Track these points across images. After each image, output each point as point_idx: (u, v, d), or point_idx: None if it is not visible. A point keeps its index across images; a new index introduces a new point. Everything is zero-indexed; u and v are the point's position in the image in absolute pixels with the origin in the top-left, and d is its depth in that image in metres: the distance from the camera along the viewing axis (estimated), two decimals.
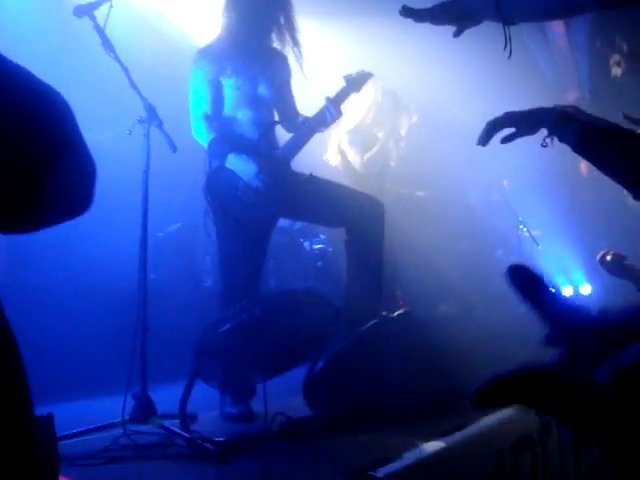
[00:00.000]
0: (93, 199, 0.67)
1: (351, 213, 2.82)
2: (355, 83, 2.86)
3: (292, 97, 2.99)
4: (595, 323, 0.86)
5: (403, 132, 4.20)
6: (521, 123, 1.58)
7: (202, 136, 2.75)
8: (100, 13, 2.55)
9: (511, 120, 1.58)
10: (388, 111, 4.10)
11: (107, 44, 2.52)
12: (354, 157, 4.05)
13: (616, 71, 3.02)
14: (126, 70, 2.54)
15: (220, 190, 2.69)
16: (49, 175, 0.61)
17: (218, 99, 2.78)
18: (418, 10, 1.36)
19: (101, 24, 2.52)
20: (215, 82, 2.77)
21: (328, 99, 2.80)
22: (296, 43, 2.86)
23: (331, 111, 2.77)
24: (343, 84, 2.86)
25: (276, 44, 2.88)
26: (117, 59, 2.54)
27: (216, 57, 2.77)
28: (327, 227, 3.37)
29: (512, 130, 1.56)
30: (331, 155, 4.09)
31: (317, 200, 2.80)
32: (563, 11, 1.25)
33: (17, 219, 0.63)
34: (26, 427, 0.65)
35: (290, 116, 2.96)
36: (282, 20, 2.82)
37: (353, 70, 2.90)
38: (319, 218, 3.08)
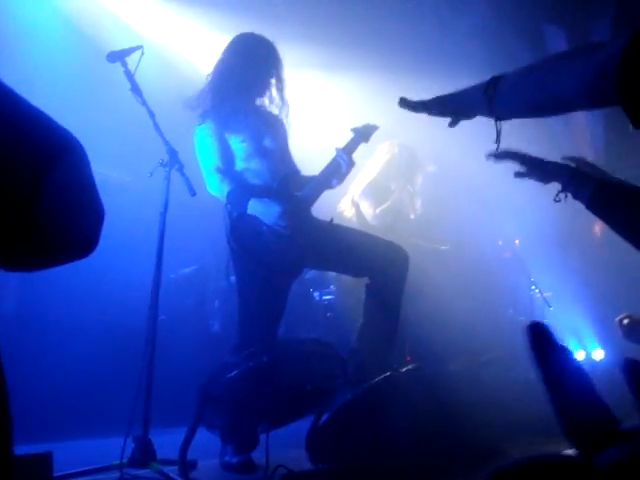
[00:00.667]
0: (97, 243, 0.67)
1: (375, 261, 2.81)
2: (363, 134, 2.87)
3: (292, 156, 3.01)
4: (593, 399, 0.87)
5: (418, 187, 4.25)
6: (536, 170, 1.63)
7: (218, 189, 2.73)
8: (130, 59, 2.65)
9: (524, 161, 1.63)
10: (404, 166, 4.17)
11: (136, 89, 2.61)
12: (367, 209, 4.09)
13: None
14: (152, 115, 2.62)
15: (245, 236, 2.67)
16: (57, 211, 0.62)
17: (227, 151, 2.79)
18: (414, 102, 1.43)
19: (132, 70, 2.61)
20: (220, 136, 2.79)
21: (338, 149, 2.82)
22: (284, 102, 2.92)
23: (344, 159, 2.78)
24: (351, 136, 2.88)
25: (265, 101, 2.93)
26: (144, 104, 2.62)
27: (216, 116, 2.79)
28: (349, 275, 3.32)
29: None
30: (345, 206, 4.14)
31: (340, 248, 2.80)
32: (550, 109, 1.29)
33: (27, 253, 0.64)
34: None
35: (294, 173, 2.96)
36: (274, 80, 2.89)
37: (359, 123, 2.92)
38: (342, 266, 3.03)
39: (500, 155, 1.64)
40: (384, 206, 4.09)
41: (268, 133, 2.87)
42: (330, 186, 2.89)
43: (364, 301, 2.89)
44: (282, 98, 2.92)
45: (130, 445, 2.29)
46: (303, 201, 2.81)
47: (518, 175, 1.67)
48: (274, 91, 2.91)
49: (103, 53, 2.63)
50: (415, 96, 1.44)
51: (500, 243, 5.61)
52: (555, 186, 1.64)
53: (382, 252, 2.84)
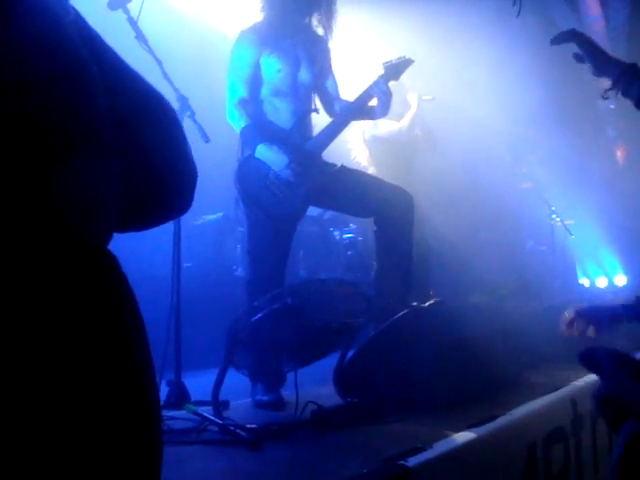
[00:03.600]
0: (191, 203, 0.71)
1: (380, 204, 2.80)
2: (395, 70, 2.78)
3: (334, 81, 2.94)
4: None
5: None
6: (590, 58, 1.60)
7: (235, 121, 2.72)
8: (133, 6, 2.58)
9: (582, 44, 1.62)
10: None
11: (140, 36, 2.55)
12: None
13: None
14: (159, 62, 2.58)
15: (250, 179, 2.69)
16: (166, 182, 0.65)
17: (256, 82, 2.74)
18: None
19: (134, 17, 2.55)
20: (255, 64, 2.73)
21: (379, 78, 2.72)
22: (330, 30, 2.82)
23: (382, 89, 2.69)
24: (381, 72, 2.78)
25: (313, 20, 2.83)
26: (150, 51, 2.57)
27: (258, 37, 2.73)
28: (356, 217, 3.36)
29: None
30: (357, 152, 4.09)
31: (346, 190, 2.79)
32: None
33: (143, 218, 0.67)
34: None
35: (331, 101, 2.92)
36: (324, 4, 2.77)
37: (391, 56, 2.81)
38: (348, 208, 3.07)
39: (563, 35, 1.64)
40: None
41: (307, 62, 2.79)
42: (372, 117, 2.88)
43: (375, 248, 2.89)
44: (329, 24, 2.81)
45: (164, 389, 2.38)
46: (313, 148, 2.78)
47: (576, 57, 1.64)
48: (322, 17, 2.80)
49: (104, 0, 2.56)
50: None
51: (524, 170, 5.53)
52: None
53: (386, 195, 2.81)
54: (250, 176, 2.69)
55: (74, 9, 0.60)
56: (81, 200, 0.54)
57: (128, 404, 0.56)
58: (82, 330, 0.52)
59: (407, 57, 2.80)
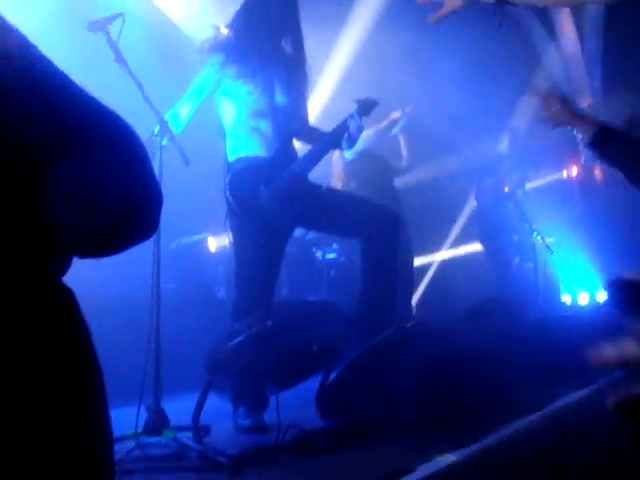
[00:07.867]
0: (158, 225, 0.70)
1: (365, 223, 2.80)
2: (365, 108, 2.81)
3: (306, 107, 2.97)
4: None
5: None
6: None
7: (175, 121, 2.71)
8: (113, 28, 2.58)
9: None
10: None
11: (120, 59, 2.54)
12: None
13: None
14: (139, 85, 2.56)
15: (241, 192, 2.66)
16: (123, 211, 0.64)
17: (201, 99, 2.77)
18: None
19: (115, 38, 2.54)
20: (219, 82, 2.74)
21: (353, 113, 2.75)
22: (301, 53, 2.86)
23: (358, 121, 2.72)
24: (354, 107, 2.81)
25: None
26: (131, 73, 2.55)
27: (232, 55, 2.73)
28: (342, 238, 3.37)
29: None
30: (336, 177, 4.16)
31: (332, 211, 2.79)
32: None
33: (101, 245, 0.67)
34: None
35: (304, 127, 2.94)
36: (293, 26, 2.82)
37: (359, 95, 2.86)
38: (334, 229, 3.05)
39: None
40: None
41: (282, 85, 2.80)
42: (339, 148, 2.89)
43: (360, 267, 2.88)
44: (299, 45, 2.86)
45: (143, 415, 2.33)
46: (299, 172, 2.77)
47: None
48: (290, 38, 2.85)
49: (83, 22, 2.56)
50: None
51: (506, 190, 5.61)
52: None
53: (370, 213, 2.82)
54: (242, 188, 2.67)
55: (17, 33, 0.61)
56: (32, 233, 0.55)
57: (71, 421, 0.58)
58: (35, 348, 0.57)
59: (373, 99, 2.83)
